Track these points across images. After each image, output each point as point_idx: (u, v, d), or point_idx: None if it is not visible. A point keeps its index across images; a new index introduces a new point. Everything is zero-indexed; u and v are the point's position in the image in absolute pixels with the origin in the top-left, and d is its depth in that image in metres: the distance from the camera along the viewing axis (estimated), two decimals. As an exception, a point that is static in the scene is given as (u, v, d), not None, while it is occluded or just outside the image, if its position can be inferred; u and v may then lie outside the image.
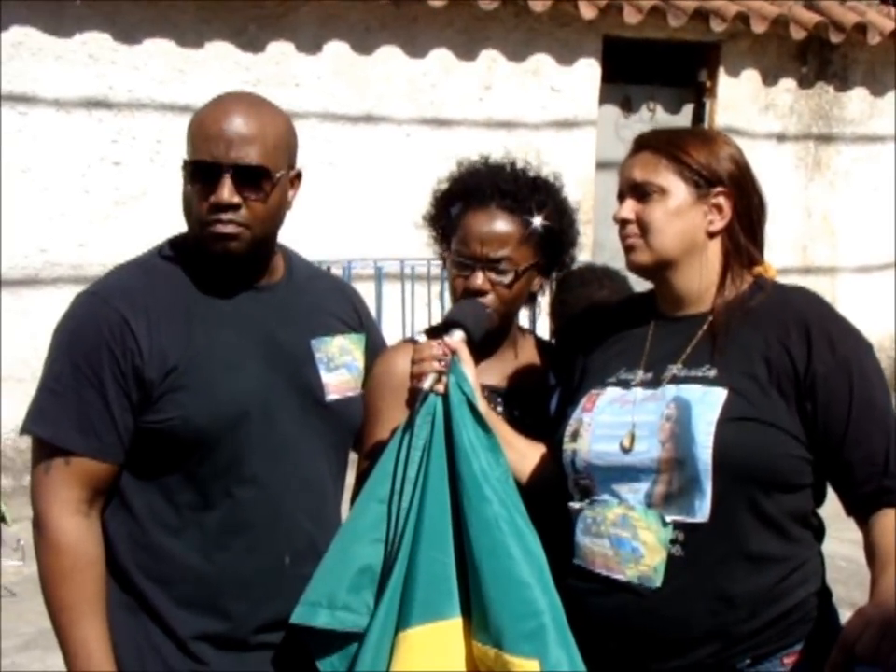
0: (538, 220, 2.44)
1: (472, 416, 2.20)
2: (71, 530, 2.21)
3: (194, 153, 2.22)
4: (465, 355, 2.27)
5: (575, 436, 2.25)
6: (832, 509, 2.26)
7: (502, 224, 2.41)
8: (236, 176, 2.19)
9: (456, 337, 2.29)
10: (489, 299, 2.39)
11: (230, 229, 2.22)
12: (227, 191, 2.19)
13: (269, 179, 2.23)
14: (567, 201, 2.55)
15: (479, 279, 2.39)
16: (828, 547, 2.30)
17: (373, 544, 2.20)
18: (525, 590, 2.09)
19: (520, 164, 2.52)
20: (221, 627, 2.27)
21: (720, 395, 2.13)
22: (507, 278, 2.40)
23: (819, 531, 2.27)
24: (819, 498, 2.25)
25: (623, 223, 2.26)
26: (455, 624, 2.14)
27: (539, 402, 2.49)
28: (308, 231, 4.87)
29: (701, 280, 2.26)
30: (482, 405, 2.26)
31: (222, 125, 2.19)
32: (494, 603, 2.09)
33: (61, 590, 2.21)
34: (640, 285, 2.53)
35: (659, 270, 2.26)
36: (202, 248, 2.26)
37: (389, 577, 2.16)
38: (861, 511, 2.18)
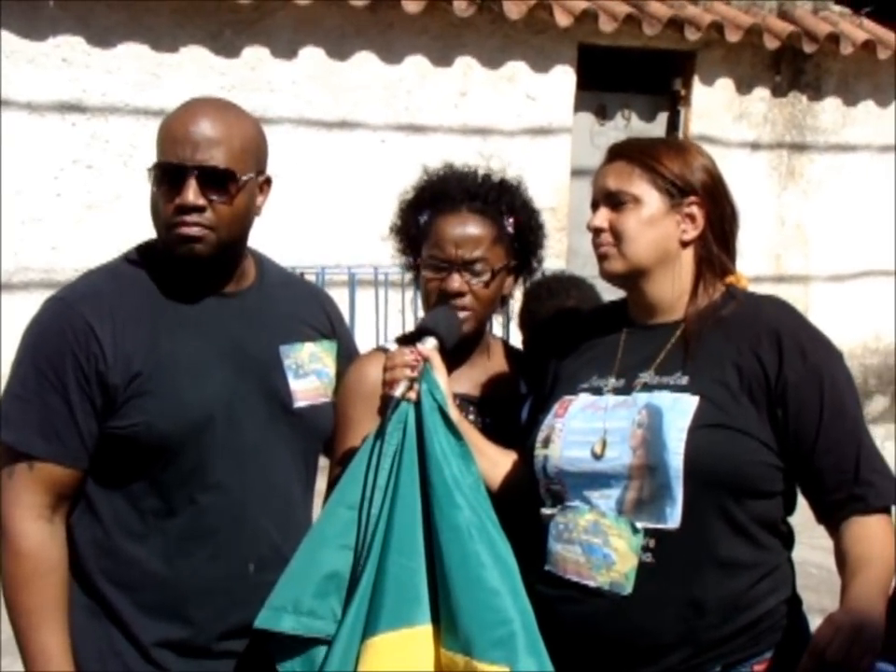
0: (509, 221, 2.47)
1: (444, 424, 2.20)
2: (33, 535, 2.21)
3: (161, 155, 2.22)
4: (437, 362, 2.28)
5: (547, 442, 2.25)
6: (803, 516, 2.27)
7: (475, 226, 2.43)
8: (201, 178, 2.19)
9: (429, 345, 2.30)
10: (467, 300, 2.40)
11: (194, 231, 2.21)
12: (192, 193, 2.18)
13: (234, 182, 2.22)
14: (533, 202, 2.57)
15: (456, 281, 2.40)
16: (799, 554, 2.31)
17: (341, 550, 2.19)
18: (494, 597, 2.08)
19: (484, 169, 2.54)
20: (184, 634, 2.27)
21: (691, 402, 2.14)
22: (483, 278, 2.41)
23: (788, 539, 2.27)
24: (790, 506, 2.26)
25: (596, 231, 2.27)
26: (423, 631, 2.13)
27: (511, 410, 2.50)
28: (282, 237, 4.85)
29: (674, 288, 2.27)
30: (453, 413, 2.26)
31: (188, 128, 2.20)
32: (463, 610, 2.08)
33: (22, 595, 2.20)
34: (609, 293, 2.54)
35: (632, 278, 2.27)
36: (168, 252, 2.25)
37: (358, 584, 2.15)
38: (832, 518, 2.19)
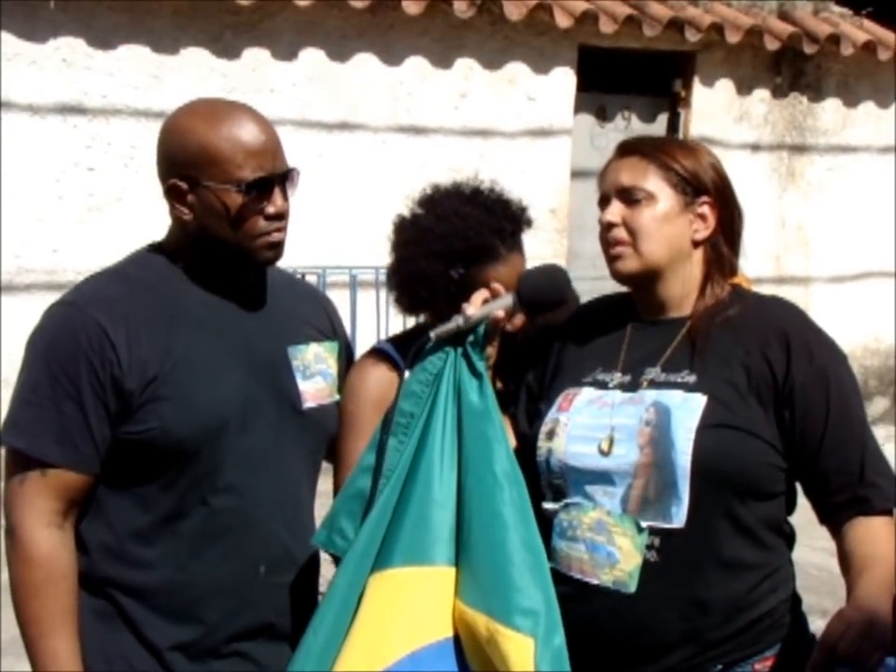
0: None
1: (480, 392, 2.16)
2: (44, 542, 2.19)
3: (240, 172, 2.19)
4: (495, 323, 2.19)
5: (551, 435, 2.24)
6: (804, 517, 2.27)
7: (519, 264, 2.42)
8: (281, 183, 2.25)
9: (505, 301, 2.23)
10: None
11: (283, 235, 2.28)
12: (281, 199, 2.24)
13: (294, 179, 2.28)
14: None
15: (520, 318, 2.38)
16: (799, 555, 2.31)
17: (367, 471, 2.17)
18: (524, 566, 2.01)
19: (494, 192, 2.50)
20: (195, 635, 2.26)
21: (699, 401, 2.13)
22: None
23: (790, 539, 2.28)
24: (791, 507, 2.27)
25: (608, 226, 2.25)
26: (442, 573, 2.06)
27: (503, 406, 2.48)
28: (283, 239, 4.86)
29: (683, 287, 2.27)
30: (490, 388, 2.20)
31: (261, 138, 2.21)
32: (489, 567, 2.01)
33: (32, 602, 2.18)
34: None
35: (645, 276, 2.26)
36: (242, 258, 2.26)
37: (372, 510, 2.11)
38: (836, 519, 2.19)
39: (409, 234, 2.47)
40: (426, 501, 2.09)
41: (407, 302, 2.51)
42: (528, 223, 2.52)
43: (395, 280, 2.50)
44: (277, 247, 2.27)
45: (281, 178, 2.24)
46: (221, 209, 2.22)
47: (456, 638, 2.05)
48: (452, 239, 2.41)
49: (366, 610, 2.06)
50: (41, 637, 2.18)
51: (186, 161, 2.22)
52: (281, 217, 2.24)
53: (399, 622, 2.04)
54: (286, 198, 2.26)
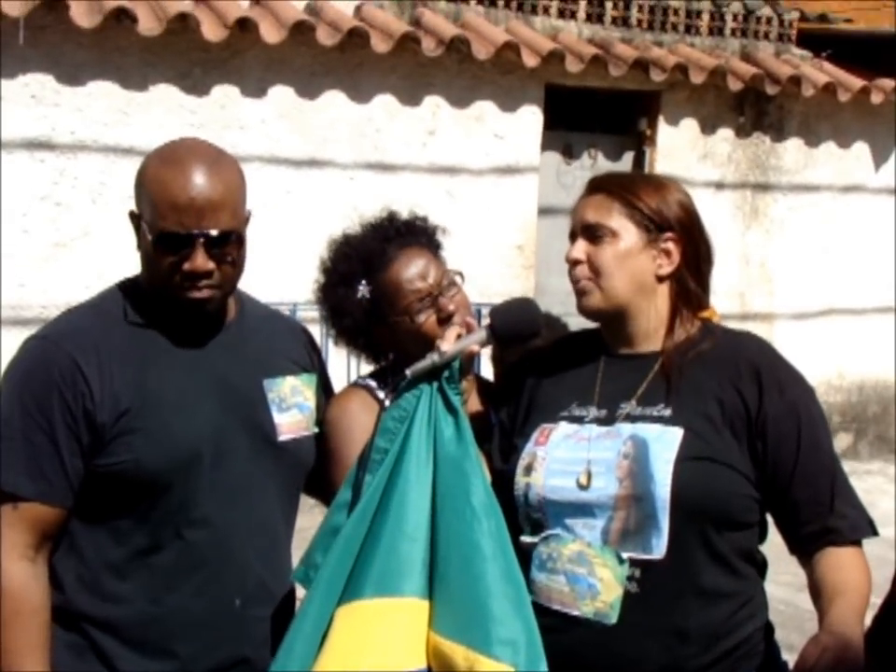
0: (439, 237, 2.53)
1: (456, 427, 2.19)
2: (16, 576, 2.18)
3: (161, 221, 2.18)
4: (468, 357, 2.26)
5: (529, 469, 2.25)
6: (770, 552, 2.29)
7: (418, 255, 2.45)
8: (207, 244, 2.18)
9: (479, 335, 2.28)
10: (461, 316, 2.41)
11: (204, 294, 2.23)
12: (201, 260, 2.19)
13: (239, 241, 2.24)
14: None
15: (451, 304, 2.41)
16: (766, 590, 2.33)
17: (342, 508, 2.19)
18: (510, 600, 2.03)
19: (390, 214, 2.56)
20: (169, 668, 2.25)
21: (676, 434, 2.16)
22: (461, 293, 2.46)
23: (762, 568, 2.31)
24: (762, 537, 2.29)
25: (574, 263, 2.29)
26: (412, 604, 2.06)
27: (481, 441, 2.50)
28: (253, 274, 4.87)
29: (650, 322, 2.30)
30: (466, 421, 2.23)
31: (190, 194, 2.16)
32: (465, 598, 2.02)
33: (3, 634, 2.18)
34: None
35: (610, 312, 2.29)
36: (167, 302, 2.25)
37: (340, 542, 2.11)
38: (806, 549, 2.22)
39: (318, 279, 2.55)
40: (396, 535, 2.10)
41: (346, 340, 2.55)
42: (427, 227, 2.55)
43: (329, 327, 2.55)
44: (199, 304, 2.23)
45: (208, 239, 2.18)
46: (146, 251, 2.24)
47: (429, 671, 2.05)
48: (342, 263, 2.49)
49: (333, 641, 2.06)
50: (11, 668, 2.17)
51: (136, 194, 2.25)
52: (198, 276, 2.19)
53: (367, 652, 2.05)
54: (215, 258, 2.19)
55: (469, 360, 2.29)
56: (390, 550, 2.09)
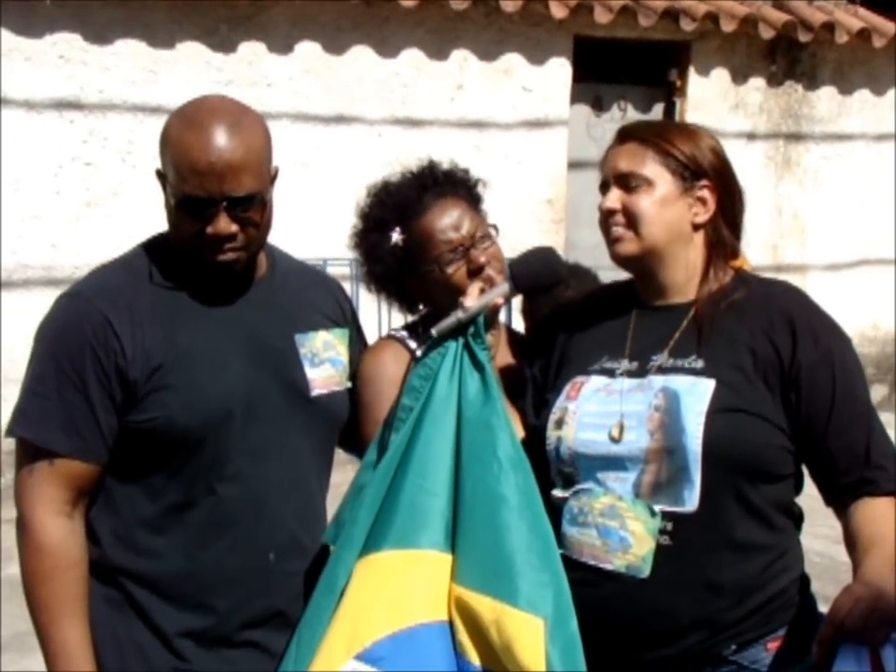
0: (479, 191, 2.50)
1: (483, 384, 2.19)
2: (54, 531, 2.20)
3: (183, 185, 2.16)
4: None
5: (560, 423, 2.24)
6: (806, 505, 2.28)
7: (456, 207, 2.42)
8: (229, 207, 2.17)
9: (500, 289, 2.28)
10: (492, 269, 2.40)
11: (229, 256, 2.22)
12: (223, 223, 2.17)
13: (262, 203, 2.22)
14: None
15: (482, 256, 2.39)
16: (802, 542, 2.32)
17: (369, 468, 2.20)
18: (537, 553, 2.03)
19: (429, 164, 2.54)
20: (206, 623, 2.27)
21: (708, 386, 2.14)
22: (493, 243, 2.43)
23: (799, 520, 2.29)
24: (798, 488, 2.28)
25: (609, 213, 2.26)
26: (432, 557, 2.07)
27: (516, 396, 2.50)
28: (282, 231, 4.89)
29: (686, 272, 2.28)
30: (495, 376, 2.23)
31: (210, 157, 2.13)
32: (493, 550, 2.02)
33: (42, 590, 2.20)
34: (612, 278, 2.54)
35: (645, 260, 2.26)
36: (195, 262, 2.24)
37: (363, 498, 2.14)
38: (842, 500, 2.20)
39: (354, 224, 2.53)
40: (416, 490, 2.11)
41: (377, 287, 2.54)
42: (468, 179, 2.53)
43: (363, 275, 2.53)
44: (226, 265, 2.22)
45: (230, 202, 2.16)
46: (171, 212, 2.24)
47: (451, 625, 2.06)
48: (377, 209, 2.48)
49: (351, 593, 2.08)
50: (51, 623, 2.20)
51: (161, 154, 2.23)
52: (222, 239, 2.19)
53: (382, 602, 2.06)
54: (238, 221, 2.18)
55: (494, 314, 2.28)
56: (410, 505, 2.10)
